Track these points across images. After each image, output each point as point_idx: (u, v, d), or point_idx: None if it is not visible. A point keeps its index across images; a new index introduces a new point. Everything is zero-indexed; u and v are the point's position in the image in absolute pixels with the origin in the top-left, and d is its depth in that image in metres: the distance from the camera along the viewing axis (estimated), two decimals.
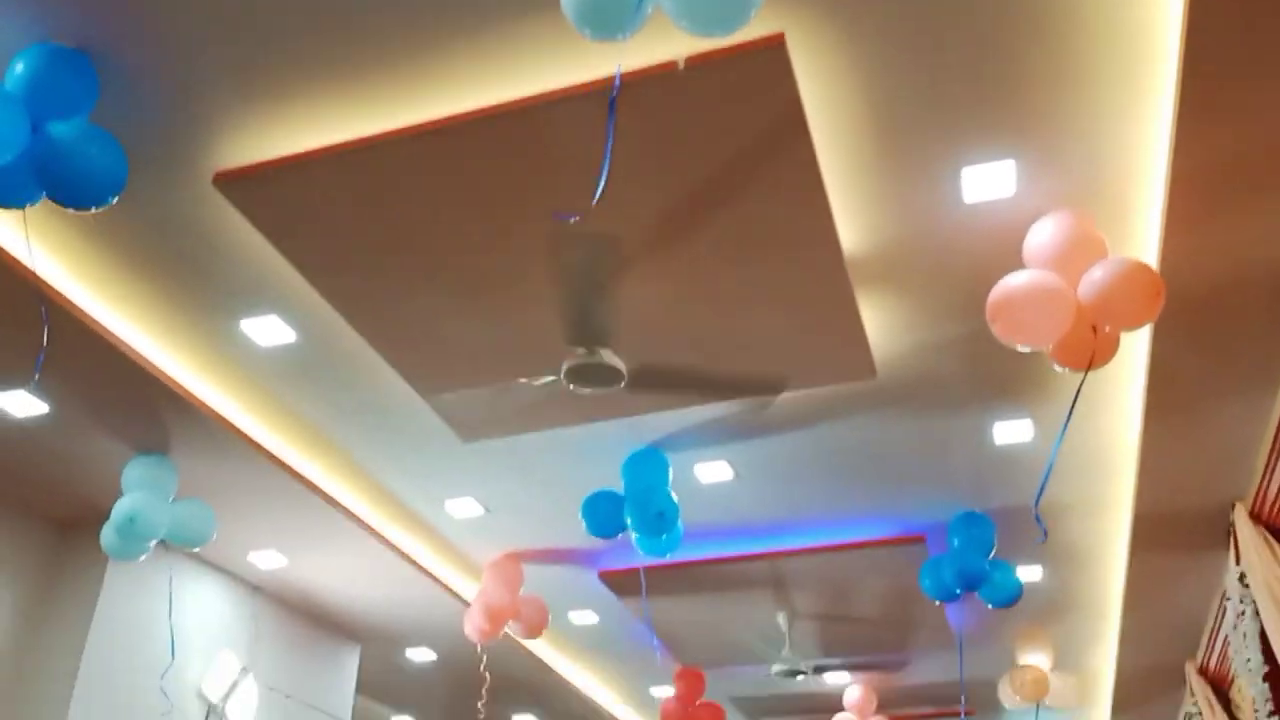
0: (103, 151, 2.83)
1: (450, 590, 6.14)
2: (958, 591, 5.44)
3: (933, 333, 4.07)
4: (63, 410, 4.39)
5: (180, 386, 4.26)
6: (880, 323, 4.01)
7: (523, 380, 4.07)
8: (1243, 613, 4.60)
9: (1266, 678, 4.47)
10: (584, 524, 4.97)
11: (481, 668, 6.26)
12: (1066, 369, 3.31)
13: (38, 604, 5.06)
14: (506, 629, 5.79)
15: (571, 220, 3.09)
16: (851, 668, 7.61)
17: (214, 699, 5.53)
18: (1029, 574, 5.92)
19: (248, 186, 3.33)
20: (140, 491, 4.54)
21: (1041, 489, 4.13)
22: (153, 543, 4.53)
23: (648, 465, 4.83)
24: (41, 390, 4.25)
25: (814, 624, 6.73)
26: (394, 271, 3.68)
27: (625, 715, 8.67)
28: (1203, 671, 6.42)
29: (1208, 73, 2.72)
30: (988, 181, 3.32)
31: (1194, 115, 2.84)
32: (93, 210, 2.90)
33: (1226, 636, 5.23)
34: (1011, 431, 4.70)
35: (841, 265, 3.62)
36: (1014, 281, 3.18)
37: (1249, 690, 4.78)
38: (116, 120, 3.05)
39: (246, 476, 4.88)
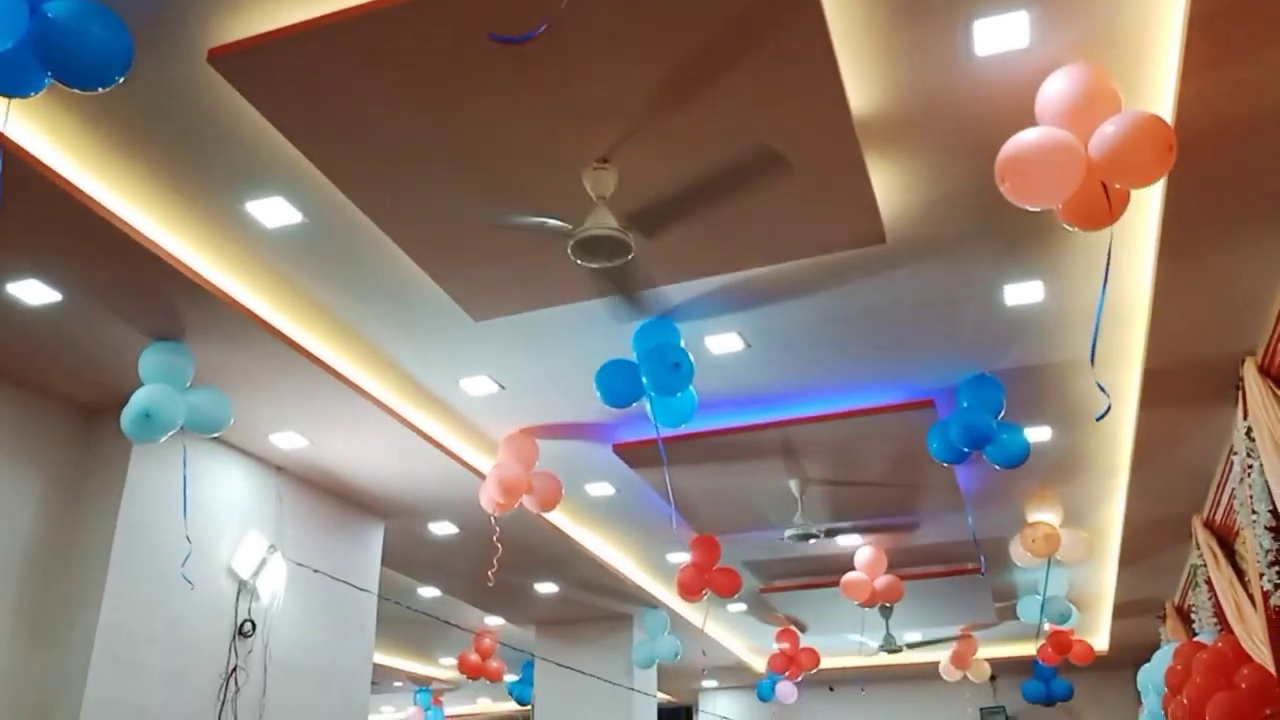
0: (104, 27, 2.76)
1: (469, 466, 6.26)
2: (965, 451, 5.51)
3: (943, 194, 4.03)
4: (75, 298, 4.41)
5: (190, 270, 4.27)
6: (889, 185, 3.97)
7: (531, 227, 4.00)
8: (1250, 466, 4.66)
9: (1270, 529, 4.55)
10: (598, 395, 5.03)
11: (495, 539, 6.42)
12: (1077, 228, 3.28)
13: (68, 487, 5.19)
14: (521, 502, 5.92)
15: (525, 39, 2.96)
16: (862, 530, 7.80)
17: (244, 576, 5.71)
18: (1038, 434, 5.99)
19: (242, 63, 3.27)
20: (155, 383, 4.59)
21: (1093, 351, 4.08)
22: (171, 432, 4.62)
23: (659, 329, 4.85)
24: (52, 277, 4.27)
25: (825, 489, 6.85)
26: (395, 148, 3.64)
27: (643, 582, 8.94)
28: (1209, 525, 6.54)
29: None
30: (1000, 34, 3.23)
31: None
32: (99, 90, 2.84)
33: (1233, 490, 5.31)
34: (1022, 292, 4.69)
35: (850, 127, 3.56)
36: (1023, 139, 3.12)
37: (1253, 542, 4.88)
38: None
39: (262, 360, 4.93)
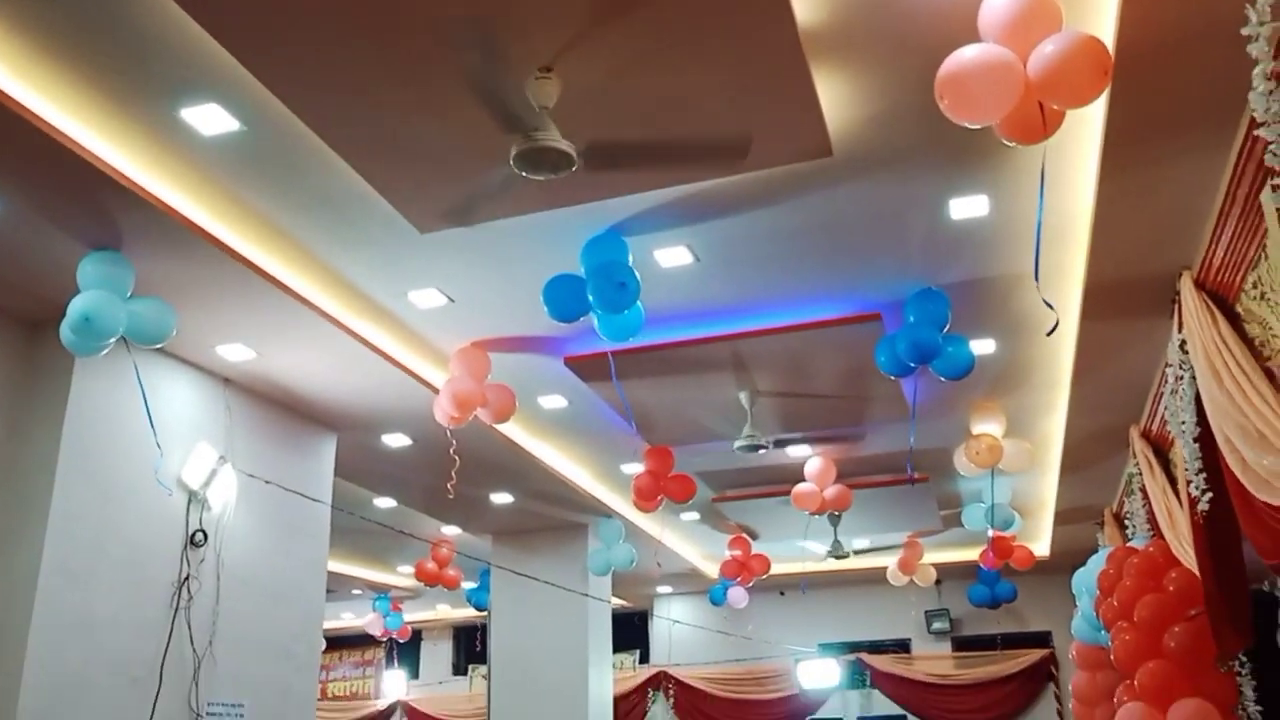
0: None
1: (420, 379, 6.26)
2: (911, 365, 5.60)
3: (889, 107, 4.02)
4: (9, 208, 4.31)
5: (125, 178, 4.17)
6: (836, 98, 3.95)
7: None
8: (1180, 378, 4.78)
9: (1198, 439, 4.69)
10: (546, 309, 5.04)
11: (451, 451, 6.47)
12: (1015, 143, 3.30)
13: (11, 401, 5.14)
14: (476, 415, 5.96)
15: None
16: (811, 441, 7.94)
17: (194, 486, 5.72)
18: (982, 347, 6.09)
19: None
20: (95, 290, 4.53)
21: (1036, 269, 4.13)
22: (112, 340, 4.57)
23: (607, 245, 4.85)
24: None
25: (774, 401, 6.95)
26: (332, 54, 3.56)
27: (598, 492, 9.06)
28: (1145, 435, 6.72)
29: None
30: None
31: None
32: None
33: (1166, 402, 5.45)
34: (967, 206, 4.72)
35: (795, 38, 3.52)
36: (962, 56, 3.12)
37: (1183, 450, 5.02)
38: None
39: (203, 271, 4.86)
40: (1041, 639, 12.68)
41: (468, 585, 11.59)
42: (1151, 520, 6.48)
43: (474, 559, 10.35)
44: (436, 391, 6.08)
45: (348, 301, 5.48)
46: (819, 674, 12.65)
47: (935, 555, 11.21)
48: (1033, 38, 3.08)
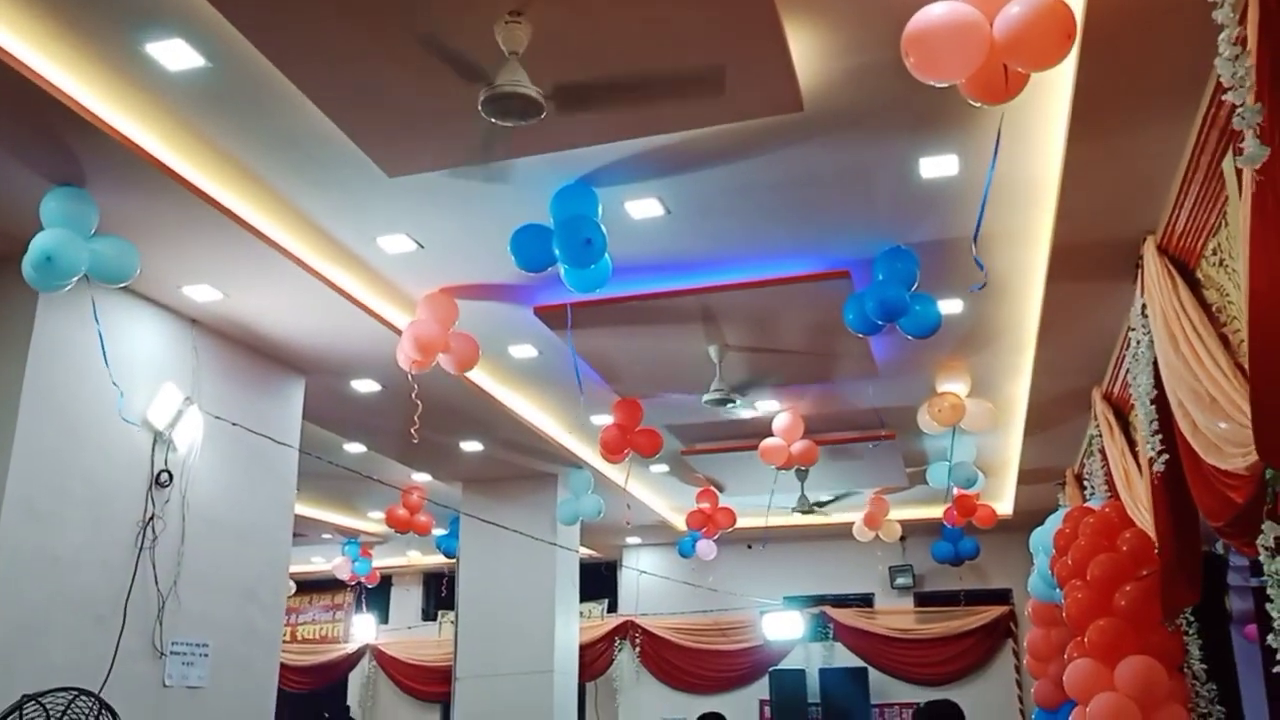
0: None
1: (389, 324, 6.24)
2: (879, 324, 5.65)
3: (861, 64, 4.02)
4: None
5: (88, 113, 4.11)
6: (808, 52, 3.93)
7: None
8: (1140, 342, 4.85)
9: (1154, 400, 4.77)
10: (513, 260, 5.03)
11: (414, 396, 6.47)
12: (980, 103, 3.31)
13: None
14: (438, 362, 5.95)
15: None
16: (779, 396, 7.99)
17: (159, 426, 5.71)
18: (950, 306, 6.13)
19: None
20: (57, 228, 4.49)
21: (978, 227, 4.18)
22: (74, 279, 4.54)
23: (575, 197, 4.84)
24: None
25: (743, 355, 6.99)
26: None
27: (568, 442, 9.11)
28: (1107, 397, 6.82)
29: None
30: None
31: None
32: None
33: (1128, 365, 5.52)
34: (937, 165, 4.74)
35: None
36: (929, 14, 3.12)
37: (1140, 412, 5.10)
38: None
39: (169, 209, 4.81)
40: (1002, 596, 12.92)
41: (439, 532, 11.65)
42: (1109, 481, 6.59)
43: (444, 506, 10.40)
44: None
45: (316, 244, 5.45)
46: (783, 626, 12.87)
47: (901, 512, 11.37)
48: None
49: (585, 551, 12.39)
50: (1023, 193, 4.92)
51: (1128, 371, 5.43)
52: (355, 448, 9.12)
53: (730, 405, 7.11)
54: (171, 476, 5.77)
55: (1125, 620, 5.64)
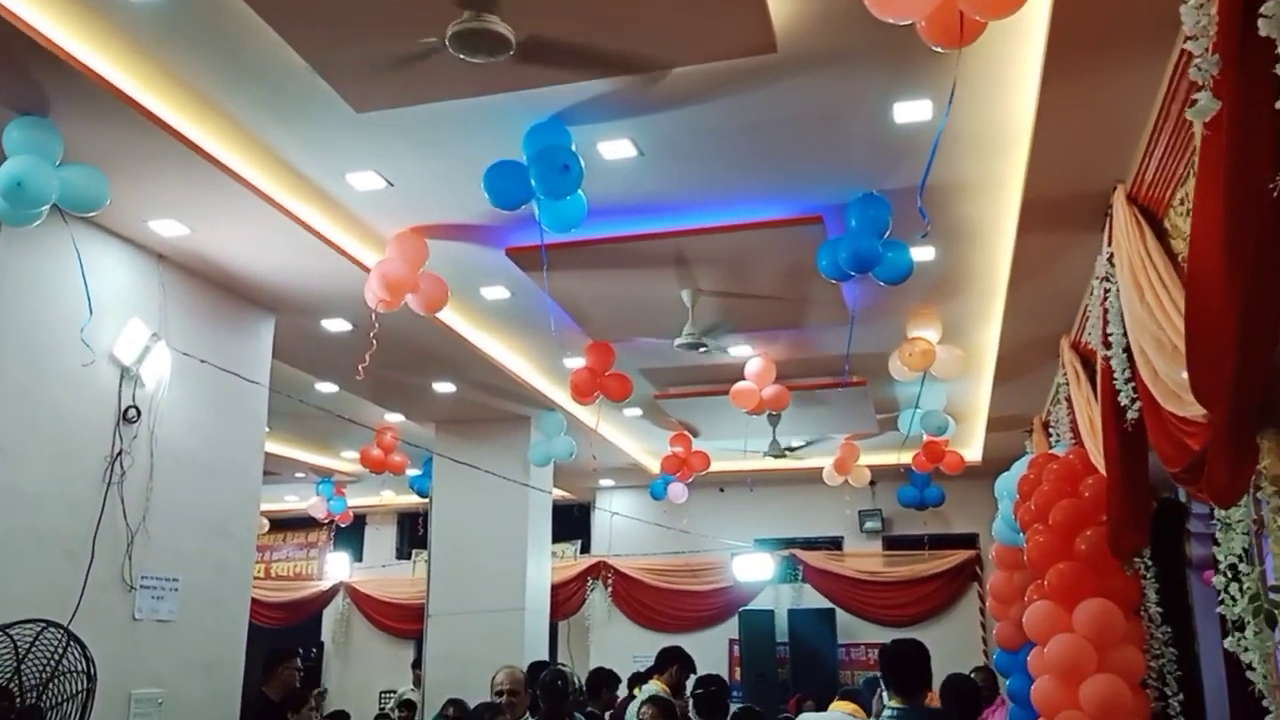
0: None
1: (359, 263, 6.19)
2: (852, 273, 5.66)
3: (833, 6, 3.97)
4: None
5: (49, 41, 4.03)
6: None
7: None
8: (1107, 291, 4.88)
9: (1124, 350, 4.80)
10: (487, 196, 4.99)
11: (371, 335, 6.46)
12: (940, 46, 3.29)
13: None
14: (406, 302, 5.93)
15: None
16: (752, 341, 8.02)
17: (126, 362, 5.67)
18: (922, 253, 6.14)
19: None
20: (25, 155, 4.43)
21: (925, 175, 4.18)
22: (45, 207, 4.48)
23: (550, 131, 4.79)
24: None
25: (716, 300, 6.99)
26: None
27: (541, 385, 9.12)
28: (1075, 346, 6.86)
29: None
30: None
31: None
32: None
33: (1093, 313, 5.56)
34: (911, 110, 4.72)
35: None
36: None
37: (1112, 362, 5.15)
38: None
39: (133, 142, 4.73)
40: (968, 540, 13.13)
41: (413, 472, 11.68)
42: (1074, 429, 6.66)
43: (417, 447, 10.41)
44: None
45: (283, 180, 5.38)
46: (753, 567, 13.05)
47: (871, 457, 11.48)
48: None
49: (559, 493, 12.47)
50: (995, 140, 4.92)
51: (1099, 320, 5.47)
52: (328, 387, 9.10)
53: (703, 350, 7.13)
54: (139, 412, 5.74)
55: (1085, 564, 5.74)
